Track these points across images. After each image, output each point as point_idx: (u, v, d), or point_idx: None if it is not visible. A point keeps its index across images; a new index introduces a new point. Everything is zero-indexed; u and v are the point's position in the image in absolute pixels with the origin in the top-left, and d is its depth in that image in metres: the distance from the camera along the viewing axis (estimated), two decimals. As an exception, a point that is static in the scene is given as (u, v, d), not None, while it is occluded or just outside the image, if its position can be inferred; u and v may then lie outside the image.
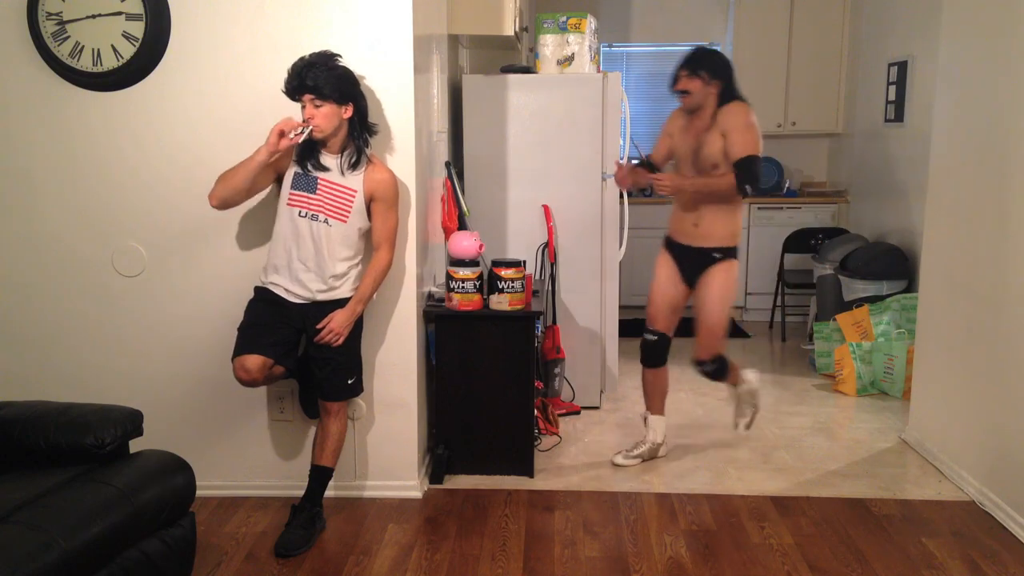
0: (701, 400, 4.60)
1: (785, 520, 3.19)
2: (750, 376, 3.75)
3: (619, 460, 3.69)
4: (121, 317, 3.29)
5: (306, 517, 3.03)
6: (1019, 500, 3.08)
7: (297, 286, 2.97)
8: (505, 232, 4.27)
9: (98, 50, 3.08)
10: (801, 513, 3.25)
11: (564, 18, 4.25)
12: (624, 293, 5.23)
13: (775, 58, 6.33)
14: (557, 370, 4.32)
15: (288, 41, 3.08)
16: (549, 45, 4.27)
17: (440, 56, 3.75)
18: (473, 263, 3.45)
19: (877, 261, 5.12)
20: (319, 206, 2.92)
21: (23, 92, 3.15)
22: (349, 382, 3.07)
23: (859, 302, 5.02)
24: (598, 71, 4.44)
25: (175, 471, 2.47)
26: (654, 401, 3.76)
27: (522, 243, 4.25)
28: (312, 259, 2.95)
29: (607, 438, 4.04)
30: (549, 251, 4.27)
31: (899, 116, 5.36)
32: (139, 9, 3.04)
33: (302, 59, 2.83)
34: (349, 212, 2.95)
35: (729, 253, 3.51)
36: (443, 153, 3.89)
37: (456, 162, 4.20)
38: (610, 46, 6.70)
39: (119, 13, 3.06)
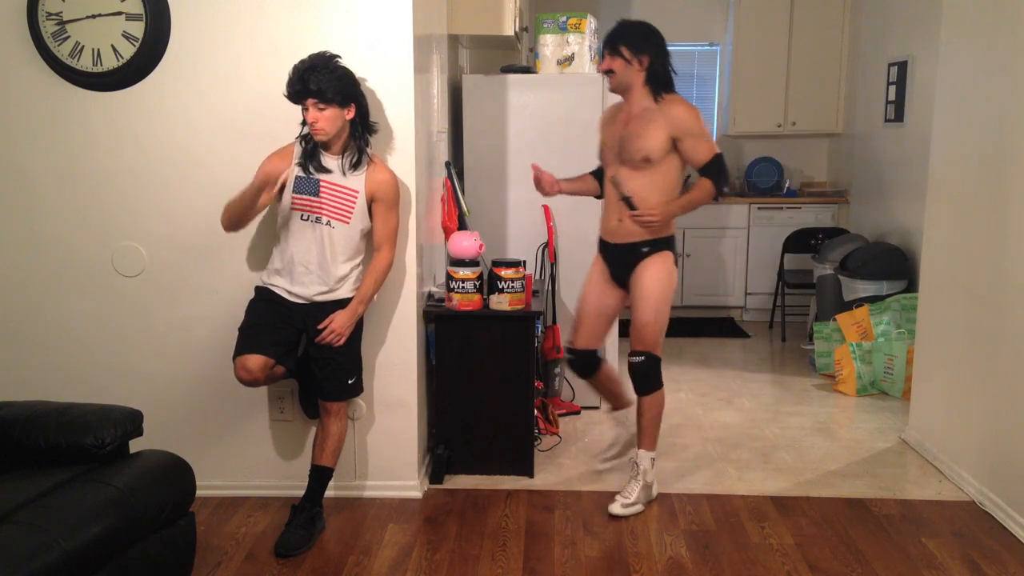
0: (701, 400, 4.60)
1: (785, 520, 3.19)
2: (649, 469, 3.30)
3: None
4: (121, 317, 3.29)
5: (306, 517, 3.03)
6: (1019, 500, 3.08)
7: (299, 287, 2.97)
8: (505, 232, 4.27)
9: (98, 50, 3.08)
10: (801, 513, 3.25)
11: (564, 18, 4.25)
12: (624, 293, 5.23)
13: (775, 58, 6.34)
14: (557, 370, 4.32)
15: (288, 41, 3.08)
16: (549, 45, 4.27)
17: (440, 56, 3.75)
18: (473, 263, 3.45)
19: (877, 261, 5.12)
20: (322, 208, 2.92)
21: (23, 92, 3.15)
22: (349, 382, 3.07)
23: (859, 302, 5.02)
24: (598, 71, 4.43)
25: (175, 471, 2.47)
26: (616, 396, 3.61)
27: (522, 243, 4.25)
28: (316, 262, 2.95)
29: (607, 438, 4.04)
30: (549, 251, 4.27)
31: (899, 116, 5.36)
32: (139, 9, 3.04)
33: (303, 62, 2.82)
34: (352, 213, 2.95)
35: (659, 245, 3.20)
36: (443, 153, 3.89)
37: (456, 162, 4.20)
38: (610, 46, 6.69)
39: (119, 13, 3.06)
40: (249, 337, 2.96)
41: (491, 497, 3.38)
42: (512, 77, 4.21)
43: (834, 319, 5.01)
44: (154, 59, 3.11)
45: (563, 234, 4.30)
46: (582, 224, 4.27)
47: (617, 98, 3.29)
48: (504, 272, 3.44)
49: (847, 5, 6.23)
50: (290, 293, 2.98)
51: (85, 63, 3.09)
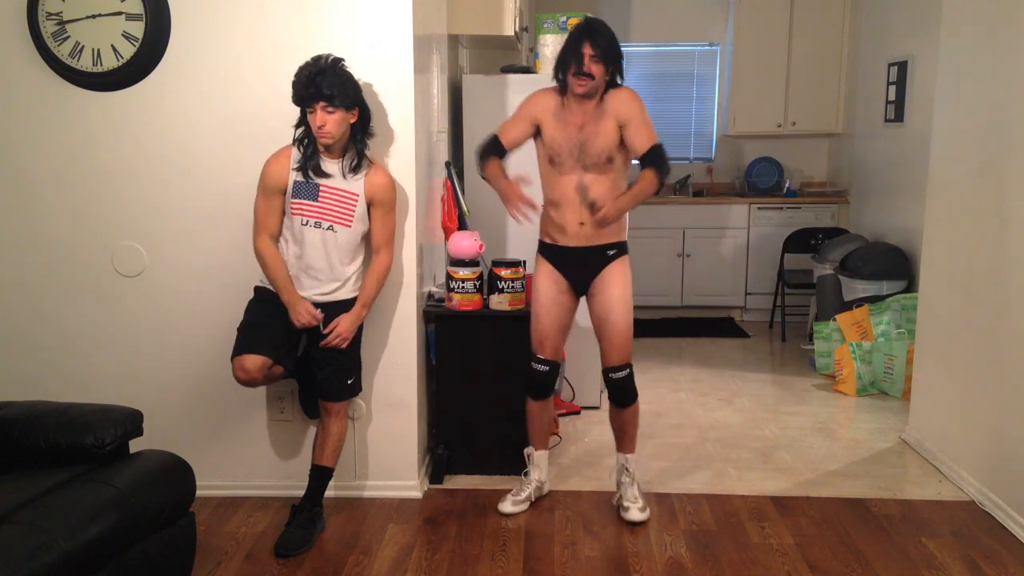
0: (701, 400, 4.60)
1: (785, 520, 3.19)
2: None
3: (508, 508, 3.25)
4: (121, 317, 3.29)
5: (306, 517, 3.03)
6: (1019, 500, 3.08)
7: (300, 290, 2.97)
8: (505, 232, 4.27)
9: (98, 50, 3.08)
10: (801, 513, 3.25)
11: (564, 18, 4.25)
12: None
13: (775, 58, 6.33)
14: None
15: (288, 41, 3.08)
16: (549, 45, 4.26)
17: (440, 56, 3.75)
18: (473, 263, 3.45)
19: (877, 261, 5.12)
20: (322, 213, 2.92)
21: (23, 92, 3.15)
22: (349, 382, 3.08)
23: (859, 302, 5.02)
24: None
25: (175, 471, 2.47)
26: (540, 436, 3.34)
27: (522, 243, 4.24)
28: (319, 266, 2.95)
29: (607, 438, 4.03)
30: (549, 251, 4.25)
31: (899, 116, 5.36)
32: (139, 9, 3.04)
33: (309, 65, 2.81)
34: (353, 217, 2.95)
35: (622, 248, 3.18)
36: (443, 153, 3.89)
37: (456, 162, 4.20)
38: (610, 46, 6.69)
39: (119, 13, 3.06)
40: (248, 337, 2.96)
41: (491, 497, 3.37)
42: (512, 77, 4.21)
43: (834, 319, 5.01)
44: (154, 59, 3.11)
45: (563, 234, 4.29)
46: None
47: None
48: (504, 272, 3.44)
49: (847, 5, 6.23)
50: (290, 293, 2.98)
51: (85, 63, 3.09)
